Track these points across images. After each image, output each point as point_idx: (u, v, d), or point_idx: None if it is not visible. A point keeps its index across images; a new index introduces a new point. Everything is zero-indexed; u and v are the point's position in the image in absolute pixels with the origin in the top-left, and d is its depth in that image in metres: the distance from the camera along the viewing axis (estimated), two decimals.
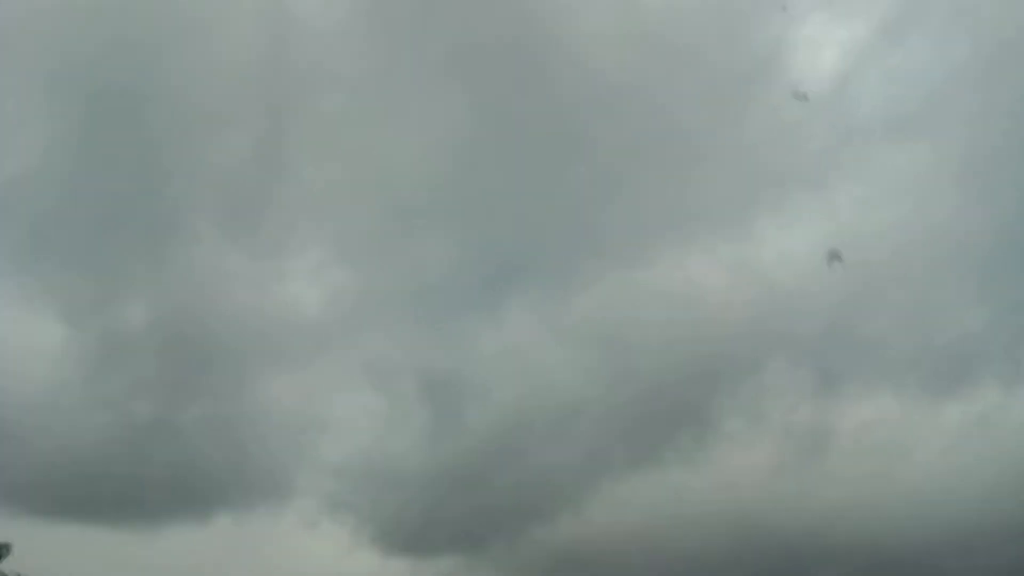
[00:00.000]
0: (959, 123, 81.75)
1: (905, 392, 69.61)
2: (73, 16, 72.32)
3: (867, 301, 74.97)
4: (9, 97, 71.66)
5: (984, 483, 58.91)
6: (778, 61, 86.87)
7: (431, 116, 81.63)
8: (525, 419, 69.52)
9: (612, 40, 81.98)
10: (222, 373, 69.78)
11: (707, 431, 70.75)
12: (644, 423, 70.82)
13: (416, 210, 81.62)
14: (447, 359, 73.31)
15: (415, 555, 65.46)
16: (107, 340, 67.81)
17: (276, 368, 72.64)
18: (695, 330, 74.00)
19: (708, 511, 63.30)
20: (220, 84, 78.56)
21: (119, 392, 64.83)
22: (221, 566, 56.46)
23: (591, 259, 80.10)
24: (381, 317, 76.92)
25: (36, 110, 72.78)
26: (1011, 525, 54.26)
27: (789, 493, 65.08)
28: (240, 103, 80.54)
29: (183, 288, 72.54)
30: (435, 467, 66.25)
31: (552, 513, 66.25)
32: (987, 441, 64.42)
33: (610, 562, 62.04)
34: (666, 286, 76.40)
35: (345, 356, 74.99)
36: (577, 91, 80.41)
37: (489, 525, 65.00)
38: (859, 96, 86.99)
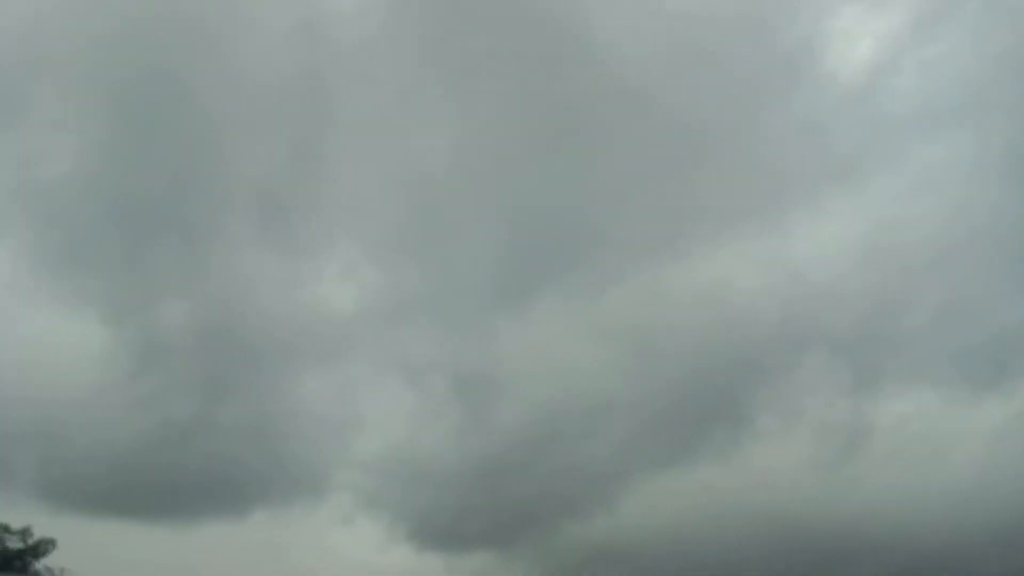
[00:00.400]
0: (996, 114, 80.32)
1: (944, 388, 68.32)
2: (112, 26, 73.89)
3: (904, 296, 73.92)
4: (50, 105, 73.47)
5: None
6: (811, 53, 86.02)
7: (460, 118, 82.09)
8: (557, 416, 69.63)
9: (640, 37, 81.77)
10: (258, 372, 70.87)
11: (741, 428, 70.25)
12: (677, 420, 70.54)
13: (446, 210, 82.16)
14: (478, 356, 73.65)
15: (449, 550, 65.91)
16: (147, 341, 69.16)
17: (310, 366, 73.58)
18: (728, 326, 73.56)
19: (742, 508, 62.89)
20: (255, 90, 79.81)
21: (158, 392, 66.07)
22: (258, 562, 57.36)
23: (621, 256, 79.87)
24: (413, 315, 77.52)
25: (76, 118, 74.42)
26: None
27: (825, 490, 64.40)
28: (275, 108, 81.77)
29: (220, 289, 73.78)
30: (467, 463, 66.63)
31: (585, 509, 66.29)
32: None
33: (643, 559, 61.93)
34: (697, 282, 75.94)
35: (378, 354, 75.71)
36: (606, 90, 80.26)
37: (522, 521, 65.22)
38: (894, 88, 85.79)
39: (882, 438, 67.07)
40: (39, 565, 43.00)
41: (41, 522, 46.20)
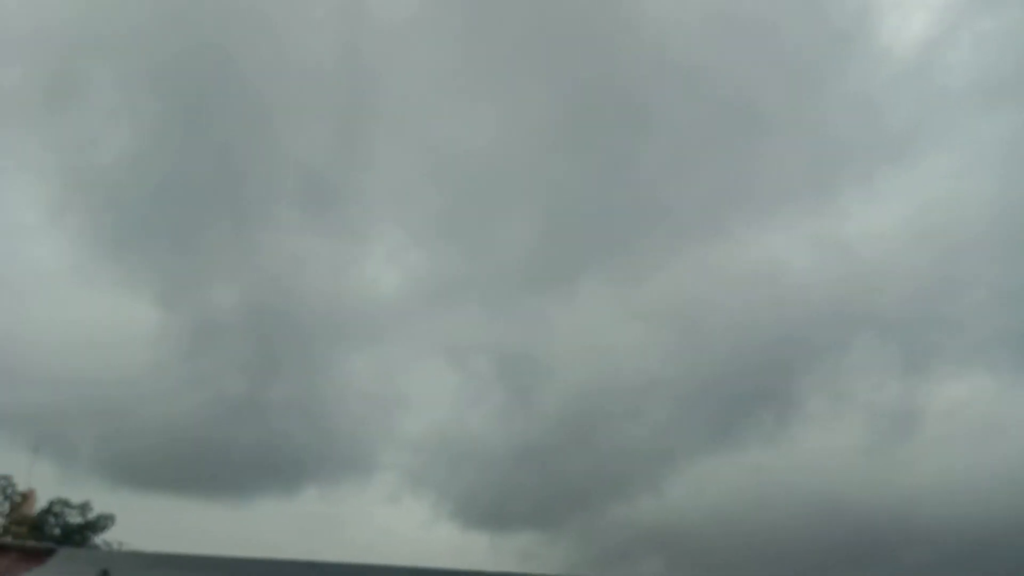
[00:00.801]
0: None
1: (998, 370, 66.38)
2: (160, 10, 75.03)
3: (958, 276, 71.77)
4: (103, 91, 75.07)
5: None
6: (863, 26, 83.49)
7: (503, 101, 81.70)
8: (602, 397, 69.58)
9: (686, 11, 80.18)
10: (307, 352, 72.10)
11: (789, 411, 69.38)
12: (723, 402, 69.94)
13: (490, 192, 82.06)
14: (522, 337, 73.78)
15: (494, 530, 66.53)
16: (199, 322, 70.73)
17: (357, 346, 74.58)
18: (775, 307, 72.41)
19: (790, 493, 62.27)
20: (299, 75, 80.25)
21: (211, 371, 67.66)
22: (309, 537, 58.39)
23: (666, 236, 79.02)
24: (457, 297, 77.90)
25: (127, 103, 75.89)
26: None
27: (875, 475, 63.28)
28: (318, 92, 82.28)
29: (269, 271, 74.99)
30: (512, 443, 67.07)
31: (630, 492, 66.26)
32: None
33: (689, 541, 61.71)
34: (744, 262, 74.81)
35: (423, 335, 76.35)
36: (650, 67, 78.95)
37: (567, 502, 65.45)
38: (949, 62, 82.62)
39: (933, 422, 65.68)
40: (98, 539, 44.48)
41: (100, 498, 47.96)
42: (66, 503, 43.93)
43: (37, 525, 42.37)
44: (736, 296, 73.76)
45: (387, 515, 65.78)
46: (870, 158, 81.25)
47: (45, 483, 45.53)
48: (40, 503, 43.53)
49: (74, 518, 43.72)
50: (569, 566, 62.33)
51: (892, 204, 79.88)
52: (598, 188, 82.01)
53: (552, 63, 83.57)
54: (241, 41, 78.50)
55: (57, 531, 43.09)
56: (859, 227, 78.89)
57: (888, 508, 59.92)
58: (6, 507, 41.67)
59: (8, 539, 39.65)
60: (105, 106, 76.43)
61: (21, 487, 42.39)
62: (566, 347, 73.43)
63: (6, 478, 41.95)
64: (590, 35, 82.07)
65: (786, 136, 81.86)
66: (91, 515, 44.04)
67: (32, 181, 73.83)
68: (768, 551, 60.33)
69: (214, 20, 76.99)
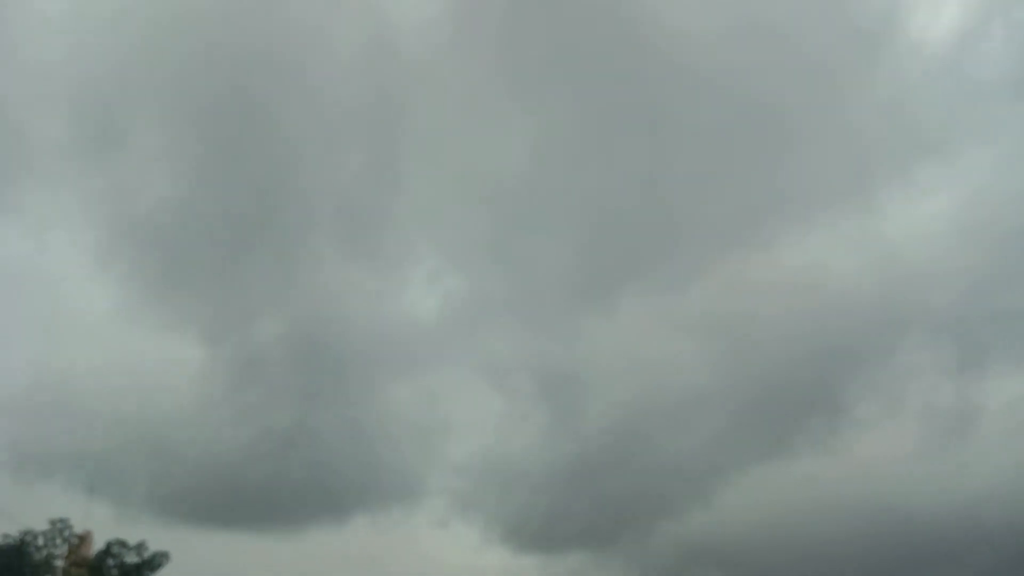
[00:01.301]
0: None
1: None
2: (195, 57, 76.96)
3: (1007, 269, 70.19)
4: (142, 139, 77.17)
5: None
6: (892, 23, 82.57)
7: (533, 121, 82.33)
8: (647, 412, 68.95)
9: (709, 21, 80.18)
10: (350, 381, 72.68)
11: (839, 417, 68.07)
12: (771, 412, 68.86)
13: (525, 213, 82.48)
14: (564, 356, 73.63)
15: (544, 552, 66.08)
16: (244, 357, 71.89)
17: (401, 373, 75.06)
18: (821, 312, 71.37)
19: (845, 500, 60.91)
20: (330, 109, 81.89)
21: (257, 405, 68.55)
22: (360, 565, 58.67)
23: (704, 247, 78.55)
24: (496, 320, 78.12)
25: (166, 149, 77.95)
26: None
27: (934, 477, 61.80)
28: (350, 125, 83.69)
29: (309, 303, 76.05)
30: (558, 464, 66.70)
31: (681, 507, 65.42)
32: None
33: (743, 555, 60.63)
34: (786, 269, 73.96)
35: (465, 359, 76.60)
36: (677, 80, 79.02)
37: (617, 520, 64.80)
38: (984, 53, 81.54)
39: (991, 421, 64.01)
40: None
41: (154, 535, 48.51)
42: (123, 543, 44.27)
43: (95, 566, 42.92)
44: (779, 303, 72.85)
45: (437, 540, 65.79)
46: (906, 156, 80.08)
47: (101, 523, 46.34)
48: (97, 544, 44.15)
49: (131, 558, 43.97)
50: None
51: (932, 201, 78.47)
52: (633, 202, 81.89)
53: (580, 80, 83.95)
54: (273, 81, 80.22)
55: (115, 572, 43.59)
56: (900, 227, 77.61)
57: (949, 512, 58.31)
58: (64, 550, 42.43)
59: None
60: (145, 153, 78.55)
61: (77, 529, 43.09)
62: (609, 363, 73.09)
63: (63, 521, 42.56)
64: (616, 50, 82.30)
65: (820, 139, 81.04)
66: (147, 554, 44.38)
67: (79, 230, 76.08)
68: (828, 561, 58.98)
69: (246, 63, 78.88)
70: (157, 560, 44.44)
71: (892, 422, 67.16)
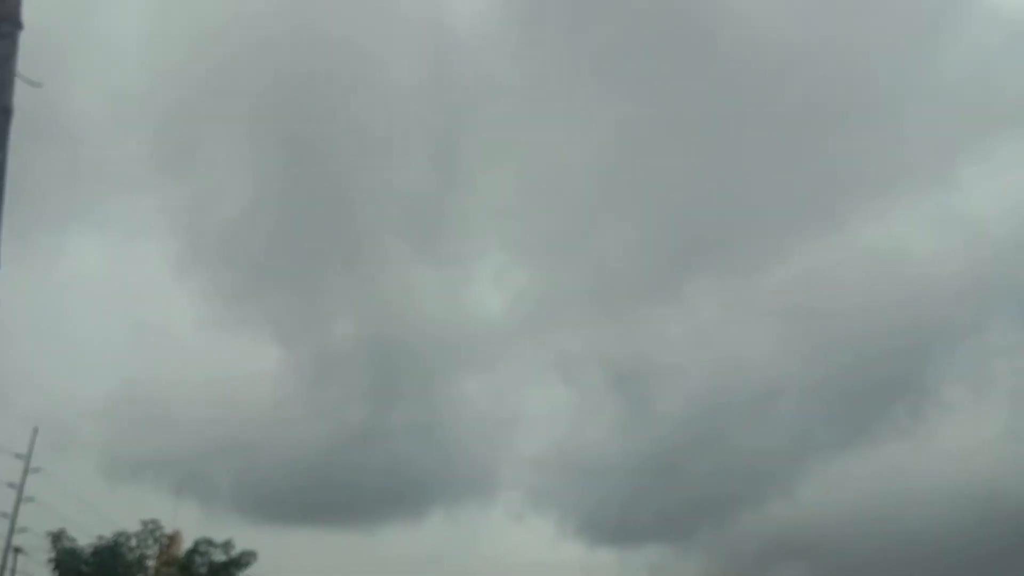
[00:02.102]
0: None
1: None
2: (260, 68, 78.76)
3: None
4: (214, 150, 79.44)
5: None
6: None
7: (595, 108, 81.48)
8: (722, 402, 67.90)
9: None
10: (423, 378, 73.74)
11: (924, 401, 65.86)
12: (852, 398, 67.08)
13: (591, 203, 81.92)
14: (635, 347, 73.04)
15: (621, 545, 65.90)
16: (319, 357, 73.62)
17: (471, 368, 75.77)
18: (902, 292, 68.96)
19: (934, 487, 58.92)
20: (391, 110, 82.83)
21: (333, 403, 70.17)
22: (437, 560, 59.48)
23: (778, 229, 76.67)
24: (565, 312, 78.03)
25: (240, 161, 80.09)
26: None
27: None
28: (415, 126, 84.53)
29: (381, 303, 77.29)
30: (633, 456, 66.26)
31: (761, 498, 64.26)
32: None
33: (830, 546, 59.20)
34: (865, 248, 71.75)
35: (534, 352, 76.86)
36: (742, 53, 76.98)
37: (695, 513, 64.08)
38: None
39: None
40: None
41: (240, 533, 50.18)
42: (210, 542, 45.68)
43: (185, 565, 44.45)
44: (858, 286, 70.69)
45: (512, 535, 66.17)
46: (987, 128, 76.56)
47: (189, 523, 48.10)
48: (186, 543, 45.83)
49: (218, 556, 45.42)
50: None
51: (1016, 174, 74.96)
52: (702, 188, 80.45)
53: (644, 66, 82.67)
54: (336, 86, 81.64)
55: (203, 570, 45.12)
56: (984, 202, 74.45)
57: None
58: (155, 549, 44.13)
59: None
60: (219, 164, 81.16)
61: (167, 529, 44.80)
62: (682, 353, 72.18)
63: (154, 522, 44.29)
64: (681, 34, 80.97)
65: (896, 114, 78.14)
66: (233, 552, 45.76)
67: (160, 241, 79.07)
68: (915, 551, 57.08)
69: (312, 69, 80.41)
70: (244, 558, 45.63)
71: (980, 405, 64.69)
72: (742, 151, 79.38)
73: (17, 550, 42.02)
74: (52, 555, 41.55)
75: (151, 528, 43.92)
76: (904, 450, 62.61)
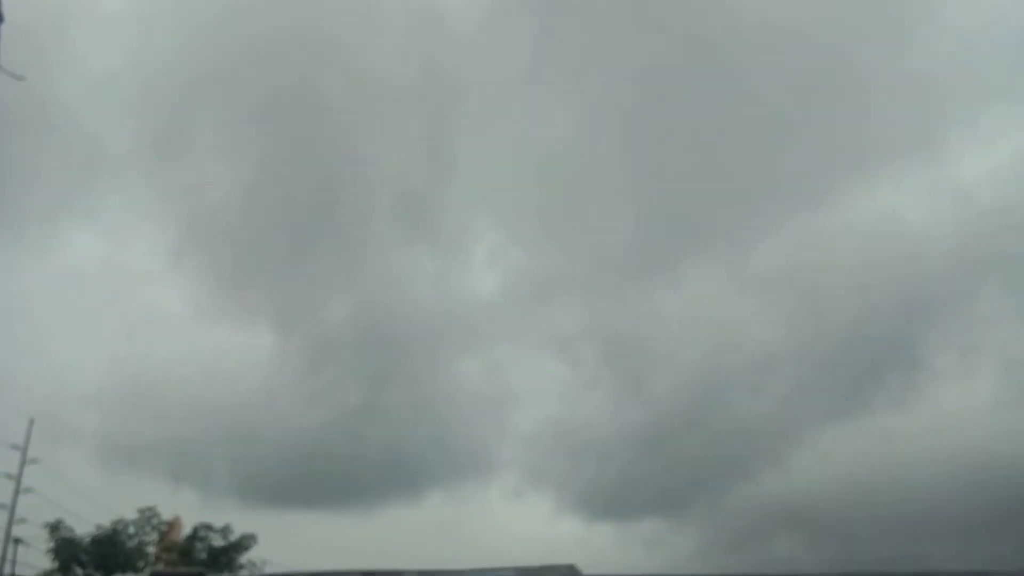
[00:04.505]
0: None
1: None
2: (249, 55, 78.19)
3: None
4: (206, 137, 79.07)
5: None
6: None
7: (586, 90, 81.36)
8: (715, 376, 68.39)
9: None
10: (418, 360, 74.00)
11: (916, 371, 66.40)
12: (844, 369, 67.55)
13: (582, 184, 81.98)
14: (628, 323, 73.43)
15: (618, 519, 66.47)
16: (313, 342, 73.74)
17: (468, 349, 76.10)
18: (893, 264, 69.35)
19: (927, 457, 59.48)
20: (383, 94, 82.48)
21: (329, 388, 70.42)
22: (437, 540, 59.92)
23: (770, 205, 76.93)
24: (558, 291, 78.18)
25: (230, 147, 79.84)
26: None
27: (1016, 430, 59.58)
28: (403, 108, 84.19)
29: (374, 286, 77.40)
30: (628, 431, 66.79)
31: (755, 470, 64.85)
32: None
33: (826, 517, 59.75)
34: (855, 222, 72.12)
35: (528, 332, 77.15)
36: (730, 34, 76.88)
37: (691, 486, 64.67)
38: None
39: None
40: (243, 559, 46.50)
41: (238, 518, 50.48)
42: (209, 527, 45.83)
43: (185, 551, 44.68)
44: (850, 257, 71.06)
45: (511, 511, 66.75)
46: (974, 99, 76.77)
47: (188, 509, 48.40)
48: (185, 529, 46.04)
49: (218, 541, 45.65)
50: (697, 551, 61.64)
51: (1002, 140, 75.23)
52: (692, 165, 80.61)
53: (633, 46, 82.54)
54: (326, 71, 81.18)
55: (204, 555, 45.36)
56: (972, 173, 74.75)
57: None
58: (154, 536, 44.35)
59: (160, 567, 42.37)
60: (209, 151, 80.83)
61: (165, 515, 44.99)
62: (676, 327, 72.58)
63: (151, 509, 44.48)
64: (669, 13, 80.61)
65: (883, 87, 78.22)
66: (232, 537, 45.99)
67: (151, 230, 78.92)
68: (909, 519, 57.74)
69: (300, 54, 79.96)
70: (244, 542, 45.79)
71: (971, 374, 65.22)
72: (734, 130, 79.54)
73: (17, 541, 42.31)
74: (51, 545, 41.82)
75: (148, 516, 44.11)
76: (896, 420, 63.28)
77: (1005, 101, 76.80)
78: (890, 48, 77.72)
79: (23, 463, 42.51)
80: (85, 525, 42.60)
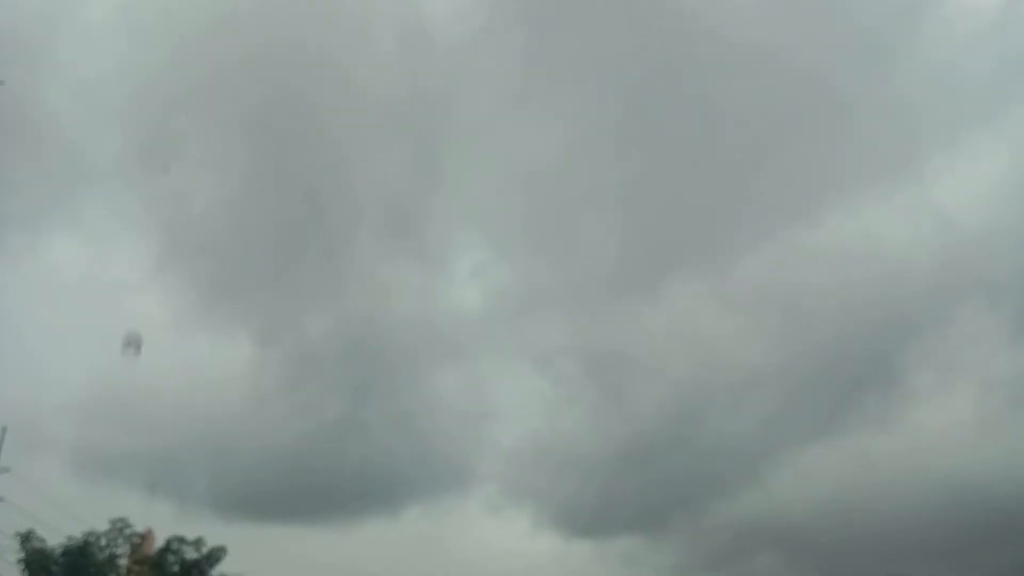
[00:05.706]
0: None
1: None
2: (237, 67, 78.17)
3: None
4: (191, 147, 78.84)
5: None
6: None
7: (569, 107, 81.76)
8: (696, 393, 68.47)
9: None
10: (400, 374, 73.76)
11: (894, 390, 66.72)
12: (824, 388, 67.80)
13: (566, 199, 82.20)
14: (610, 339, 73.49)
15: (596, 536, 66.31)
16: (295, 355, 73.36)
17: (450, 364, 75.91)
18: (873, 284, 69.74)
19: (905, 476, 59.71)
20: (369, 110, 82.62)
21: (310, 401, 69.97)
22: (415, 555, 59.65)
23: (752, 224, 77.43)
24: (541, 307, 78.24)
25: (214, 157, 79.55)
26: None
27: (994, 449, 60.02)
28: (390, 123, 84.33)
29: (357, 300, 77.21)
30: (608, 448, 66.74)
31: (734, 487, 64.89)
32: None
33: (806, 535, 59.91)
34: (837, 241, 72.49)
35: (509, 347, 77.07)
36: (713, 55, 77.54)
37: (669, 504, 64.62)
38: None
39: None
40: (214, 572, 46.09)
41: (214, 531, 49.91)
42: (182, 540, 45.52)
43: (157, 563, 44.27)
44: (830, 277, 71.29)
45: (489, 527, 66.51)
46: (955, 122, 77.58)
47: (163, 521, 47.79)
48: (158, 542, 45.56)
49: (190, 554, 45.17)
50: (676, 568, 61.55)
51: (984, 167, 76.03)
52: (675, 183, 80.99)
53: (619, 62, 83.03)
54: (314, 84, 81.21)
55: (176, 568, 44.92)
56: (952, 195, 75.41)
57: (1010, 484, 56.53)
58: (126, 548, 43.85)
59: None
60: (194, 161, 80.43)
61: (138, 527, 44.50)
62: (657, 345, 72.68)
63: (123, 520, 44.00)
64: (655, 30, 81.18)
65: (865, 108, 78.93)
66: (205, 549, 45.48)
67: (134, 239, 78.49)
68: (887, 537, 57.78)
69: (287, 66, 79.96)
70: (215, 555, 45.49)
71: (949, 394, 65.58)
72: (718, 147, 80.00)
73: None
74: (22, 555, 41.33)
75: (120, 527, 43.67)
76: (874, 438, 63.44)
77: (984, 126, 77.85)
78: (873, 73, 78.73)
79: None
80: (57, 536, 42.20)
